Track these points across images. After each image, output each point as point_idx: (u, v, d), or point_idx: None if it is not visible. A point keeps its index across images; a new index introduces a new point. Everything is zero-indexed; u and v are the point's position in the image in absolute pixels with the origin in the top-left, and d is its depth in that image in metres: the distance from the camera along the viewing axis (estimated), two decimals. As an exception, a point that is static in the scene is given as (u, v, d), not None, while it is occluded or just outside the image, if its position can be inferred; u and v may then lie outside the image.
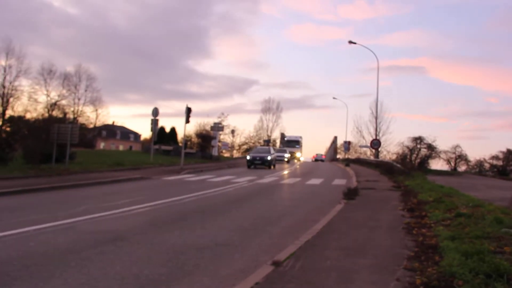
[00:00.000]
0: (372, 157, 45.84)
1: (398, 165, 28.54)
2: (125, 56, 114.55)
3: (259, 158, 33.54)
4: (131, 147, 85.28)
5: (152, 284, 5.10)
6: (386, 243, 7.35)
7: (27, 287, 4.88)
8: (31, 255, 6.30)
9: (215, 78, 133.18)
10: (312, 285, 4.90)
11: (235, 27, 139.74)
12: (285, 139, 75.12)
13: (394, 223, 9.32)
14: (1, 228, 7.85)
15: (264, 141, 76.36)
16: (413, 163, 36.35)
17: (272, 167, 33.96)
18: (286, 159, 49.65)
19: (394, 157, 42.80)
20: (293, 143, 71.28)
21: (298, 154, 66.94)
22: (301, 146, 73.65)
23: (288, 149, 58.42)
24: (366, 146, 53.73)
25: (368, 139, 54.26)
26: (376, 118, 46.47)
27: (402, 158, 37.61)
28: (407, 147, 40.28)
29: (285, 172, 30.52)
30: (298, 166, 41.16)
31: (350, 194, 13.99)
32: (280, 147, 65.75)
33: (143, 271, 5.62)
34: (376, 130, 47.01)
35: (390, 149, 52.36)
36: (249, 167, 33.28)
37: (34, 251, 6.52)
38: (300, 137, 75.25)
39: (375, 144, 39.41)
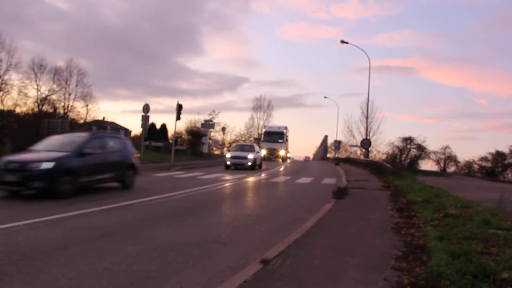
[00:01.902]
0: (362, 157, 46.02)
1: (388, 165, 28.70)
2: (116, 52, 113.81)
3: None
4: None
5: (141, 280, 5.10)
6: (375, 242, 7.40)
7: (15, 282, 4.85)
8: (20, 250, 6.26)
9: (206, 75, 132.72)
10: (300, 283, 4.92)
11: (227, 25, 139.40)
12: (264, 130, 56.98)
13: (383, 222, 9.37)
14: (-11, 223, 7.80)
15: (255, 139, 67.18)
16: (403, 163, 36.68)
17: (257, 167, 29.64)
18: (249, 164, 28.56)
19: (384, 157, 43.20)
20: (275, 136, 52.31)
21: (282, 152, 51.23)
22: (286, 141, 54.14)
23: (267, 145, 50.52)
24: (356, 146, 53.92)
25: (359, 138, 54.63)
26: (367, 118, 46.66)
27: (392, 158, 37.93)
28: (397, 147, 40.62)
29: (275, 170, 30.53)
30: (283, 168, 33.41)
31: (340, 193, 14.04)
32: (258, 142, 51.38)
33: (132, 267, 5.61)
34: (366, 129, 47.23)
35: (380, 149, 52.87)
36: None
37: (23, 246, 6.48)
38: (285, 128, 55.13)
39: (365, 143, 39.58)
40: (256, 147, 32.80)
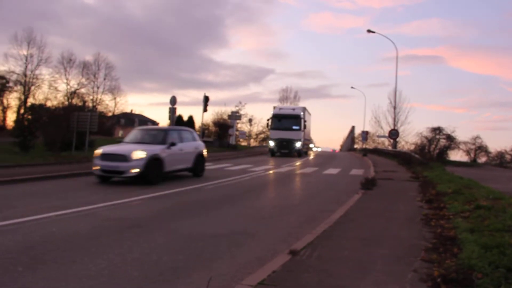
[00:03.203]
0: (390, 147, 45.45)
1: (417, 156, 28.27)
2: (143, 46, 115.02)
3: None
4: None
5: (171, 271, 5.17)
6: (404, 234, 7.32)
7: (51, 271, 4.99)
8: (53, 240, 6.43)
9: (231, 67, 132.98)
10: (329, 274, 4.92)
11: (251, 17, 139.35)
12: (272, 113, 37.43)
13: (412, 214, 9.27)
14: (24, 214, 8.02)
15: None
16: (432, 154, 36.00)
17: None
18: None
19: (412, 147, 42.48)
20: (288, 121, 36.06)
21: (298, 144, 35.34)
22: (304, 128, 36.72)
23: (276, 134, 35.66)
24: (384, 136, 53.19)
25: (386, 129, 53.78)
26: (395, 108, 45.95)
27: (421, 148, 37.28)
28: (426, 138, 39.83)
29: (302, 162, 30.47)
30: (307, 161, 31.45)
31: (368, 184, 13.93)
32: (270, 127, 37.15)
33: (162, 257, 5.70)
34: (394, 120, 46.54)
35: (408, 140, 51.91)
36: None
37: (56, 236, 6.65)
38: (303, 110, 38.18)
39: (393, 134, 39.07)
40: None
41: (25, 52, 49.04)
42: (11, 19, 74.35)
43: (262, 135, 78.29)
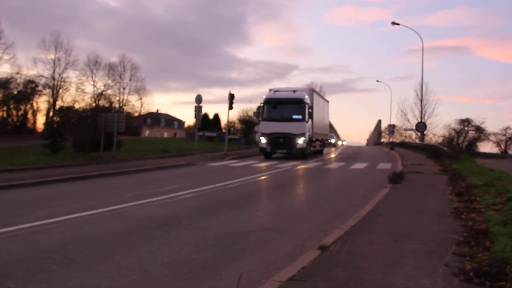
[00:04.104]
0: (417, 141, 44.83)
1: (445, 148, 27.80)
2: (167, 46, 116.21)
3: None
4: (175, 134, 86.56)
5: (201, 268, 5.22)
6: (434, 227, 7.22)
7: (83, 270, 5.09)
8: (85, 239, 6.57)
9: (255, 64, 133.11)
10: (359, 269, 4.89)
11: (274, 13, 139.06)
12: (265, 98, 26.84)
13: (442, 207, 9.13)
14: (57, 214, 8.20)
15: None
16: (461, 146, 35.42)
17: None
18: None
19: (440, 140, 41.76)
20: (287, 109, 25.99)
21: (300, 141, 25.42)
22: (308, 117, 26.28)
23: (268, 127, 25.76)
24: (411, 129, 52.50)
25: (413, 122, 53.05)
26: (421, 101, 45.23)
27: (449, 141, 36.65)
28: (454, 130, 39.21)
29: (330, 156, 30.33)
30: (334, 156, 31.23)
31: (396, 178, 13.77)
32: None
33: (191, 255, 5.76)
34: (421, 112, 45.77)
35: (436, 132, 51.10)
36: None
37: (88, 235, 6.79)
38: (309, 92, 28.33)
39: (421, 127, 38.52)
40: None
41: (52, 56, 50.09)
42: (38, 25, 76.23)
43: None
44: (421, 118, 44.69)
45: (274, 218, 8.39)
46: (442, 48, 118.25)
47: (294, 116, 25.55)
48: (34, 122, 49.08)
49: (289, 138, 25.21)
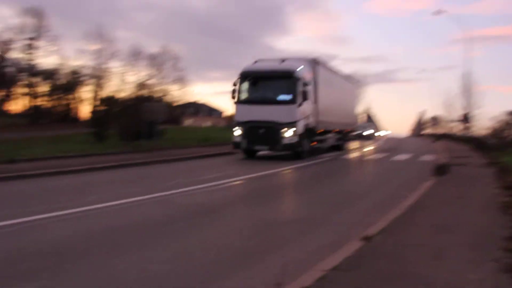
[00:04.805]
0: (461, 132, 43.61)
1: (492, 141, 26.98)
2: (206, 36, 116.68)
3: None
4: (215, 124, 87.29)
5: (244, 256, 5.30)
6: (480, 221, 7.06)
7: (131, 254, 5.27)
8: (132, 224, 6.79)
9: (294, 54, 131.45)
10: (403, 261, 4.85)
11: (312, 2, 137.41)
12: (243, 71, 18.82)
13: (488, 201, 8.89)
14: (104, 199, 8.47)
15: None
16: (509, 138, 34.22)
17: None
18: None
19: (487, 132, 40.56)
20: (274, 86, 18.42)
21: (288, 133, 17.48)
22: (304, 98, 17.85)
23: (246, 112, 18.16)
24: (455, 121, 51.08)
25: (458, 113, 51.60)
26: (466, 91, 43.92)
27: (496, 133, 35.51)
28: (502, 121, 37.90)
29: (371, 147, 29.97)
30: (377, 146, 32.51)
31: (440, 170, 13.47)
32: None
33: (235, 243, 5.85)
34: (466, 103, 44.50)
35: (482, 124, 49.53)
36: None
37: (134, 221, 7.00)
38: (311, 64, 19.57)
39: (465, 118, 37.46)
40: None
41: (96, 47, 51.31)
42: (83, 17, 77.93)
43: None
44: (466, 109, 43.44)
45: (315, 208, 8.40)
46: (487, 37, 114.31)
47: (280, 97, 17.92)
48: (79, 111, 50.63)
49: (272, 129, 17.45)
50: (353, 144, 31.58)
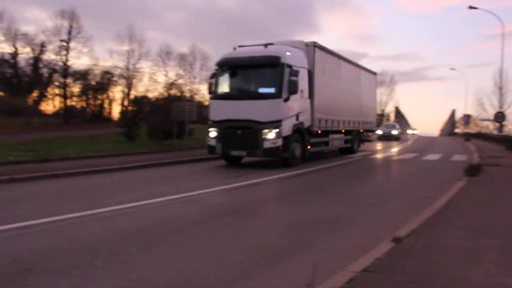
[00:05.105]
0: (495, 132, 42.58)
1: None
2: (236, 35, 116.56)
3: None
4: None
5: (275, 255, 5.28)
6: (516, 223, 6.88)
7: (161, 252, 5.33)
8: (162, 223, 6.86)
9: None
10: (435, 264, 4.77)
11: (342, 0, 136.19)
12: (221, 60, 15.69)
13: (523, 202, 8.67)
14: (135, 199, 8.59)
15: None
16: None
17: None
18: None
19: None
20: (253, 76, 15.23)
21: (270, 135, 14.06)
22: (292, 92, 14.46)
23: (220, 107, 15.29)
24: (488, 120, 49.94)
25: (491, 112, 50.47)
26: (500, 89, 43.01)
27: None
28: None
29: (400, 147, 29.55)
30: (408, 145, 34.54)
31: (472, 170, 13.19)
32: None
33: (265, 242, 5.85)
34: (500, 102, 43.47)
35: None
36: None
37: (164, 220, 7.07)
38: (301, 48, 16.43)
39: (499, 117, 36.49)
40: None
41: (127, 48, 52.09)
42: (114, 19, 79.21)
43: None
44: (500, 107, 42.43)
45: (346, 207, 8.32)
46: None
47: (262, 90, 14.61)
48: (110, 111, 51.53)
49: (250, 130, 14.26)
50: (374, 145, 29.87)
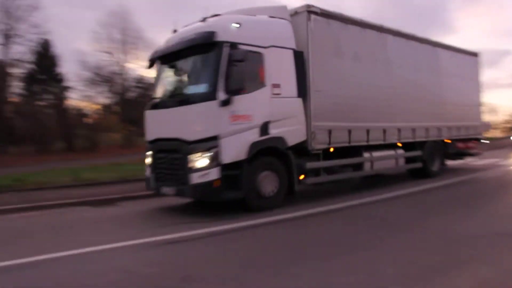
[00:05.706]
0: None
1: None
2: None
3: None
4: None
5: (429, 271, 5.06)
6: None
7: (314, 265, 5.42)
8: (314, 236, 6.98)
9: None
10: None
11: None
12: (154, 51, 10.47)
13: None
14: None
15: None
16: None
17: None
18: None
19: None
20: (190, 72, 9.74)
21: (201, 163, 8.42)
22: (240, 81, 8.62)
23: (156, 120, 9.90)
24: None
25: None
26: None
27: None
28: None
29: None
30: None
31: None
32: None
33: (417, 257, 5.63)
34: None
35: None
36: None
37: (316, 233, 7.18)
38: (282, 15, 9.96)
39: None
40: None
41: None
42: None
43: (510, 125, 69.81)
44: None
45: (506, 221, 7.66)
46: None
47: (190, 90, 9.43)
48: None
49: (176, 155, 9.06)
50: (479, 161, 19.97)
